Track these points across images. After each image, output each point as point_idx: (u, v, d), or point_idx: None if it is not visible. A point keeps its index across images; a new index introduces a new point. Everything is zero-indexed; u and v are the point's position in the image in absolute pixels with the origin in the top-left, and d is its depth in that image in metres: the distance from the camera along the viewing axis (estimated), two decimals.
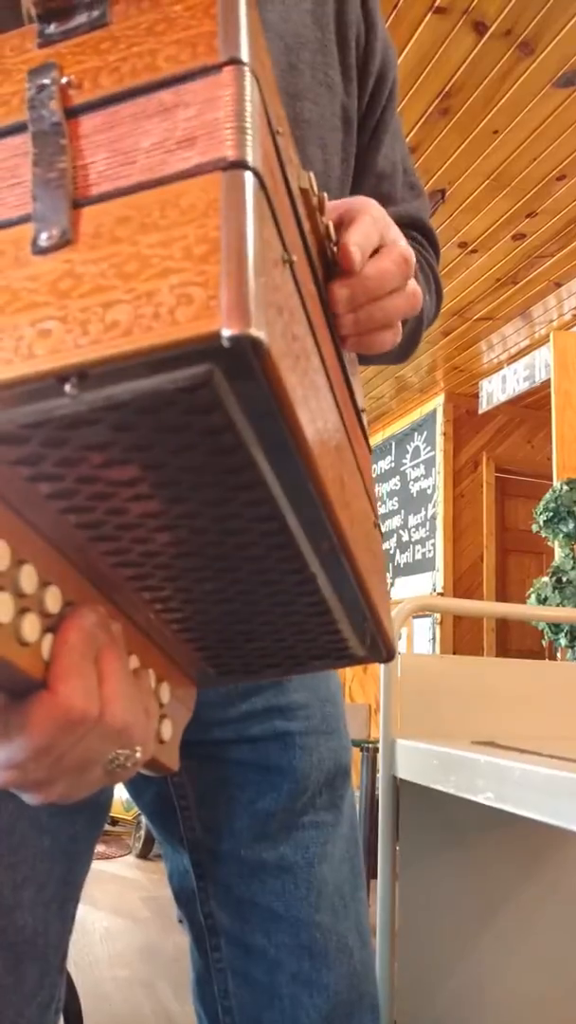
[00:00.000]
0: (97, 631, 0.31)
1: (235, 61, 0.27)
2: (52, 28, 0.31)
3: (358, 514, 0.36)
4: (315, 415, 0.29)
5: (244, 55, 0.28)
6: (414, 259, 0.43)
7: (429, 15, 2.33)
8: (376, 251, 0.42)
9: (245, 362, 0.23)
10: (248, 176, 0.25)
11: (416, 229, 0.73)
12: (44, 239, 0.26)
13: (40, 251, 0.26)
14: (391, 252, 0.42)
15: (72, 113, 0.29)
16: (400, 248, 0.42)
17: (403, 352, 0.71)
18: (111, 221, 0.26)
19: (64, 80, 0.29)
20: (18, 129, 0.29)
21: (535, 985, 1.31)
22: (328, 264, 0.39)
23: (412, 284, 0.44)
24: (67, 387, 0.23)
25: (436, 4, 2.30)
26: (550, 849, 1.34)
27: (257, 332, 0.22)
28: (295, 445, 0.26)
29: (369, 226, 0.41)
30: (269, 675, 0.43)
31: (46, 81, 0.29)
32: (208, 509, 0.29)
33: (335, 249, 0.39)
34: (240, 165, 0.25)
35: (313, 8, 0.64)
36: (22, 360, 0.23)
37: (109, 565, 0.32)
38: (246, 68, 0.27)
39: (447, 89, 2.62)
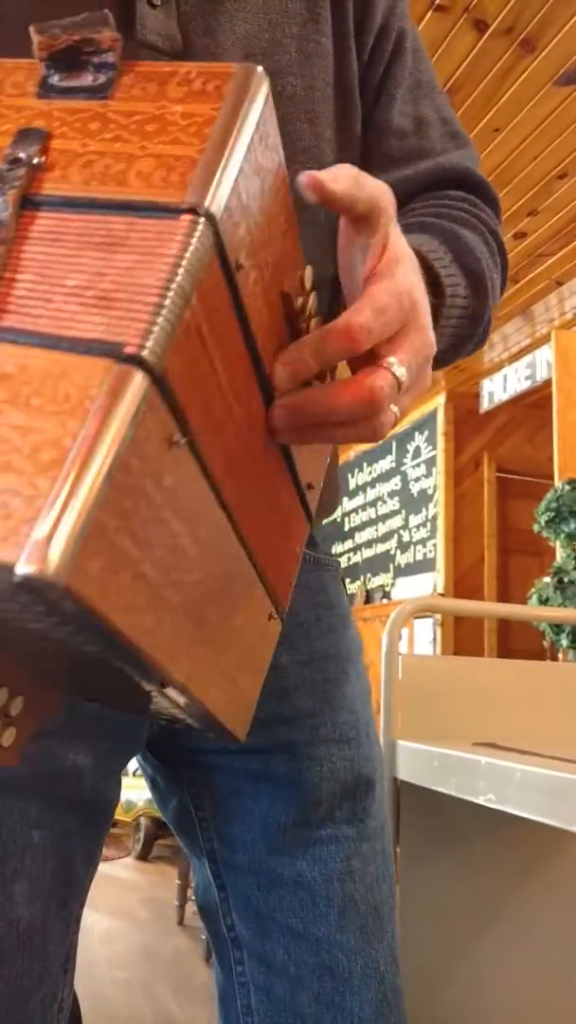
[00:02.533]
0: None
1: (196, 211, 0.25)
2: (56, 79, 0.30)
3: (221, 636, 0.35)
4: (156, 605, 0.27)
5: (211, 203, 0.25)
6: (389, 387, 0.36)
7: (430, 13, 2.33)
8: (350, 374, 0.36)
9: (44, 597, 0.22)
10: (137, 380, 0.23)
11: (462, 184, 0.66)
12: None
13: None
14: (358, 384, 0.36)
15: (28, 205, 0.27)
16: (370, 385, 0.36)
17: (442, 363, 0.62)
18: None
19: (37, 161, 0.27)
20: None
21: (537, 987, 1.30)
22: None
23: (385, 415, 0.37)
24: None
25: (437, 2, 2.29)
26: (551, 851, 1.34)
27: (58, 579, 0.21)
28: (119, 643, 0.25)
29: (339, 337, 0.35)
30: (117, 710, 0.43)
31: (22, 155, 0.28)
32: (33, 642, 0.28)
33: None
34: (135, 361, 0.23)
35: None
36: None
37: None
38: (201, 224, 0.25)
39: (448, 87, 2.62)
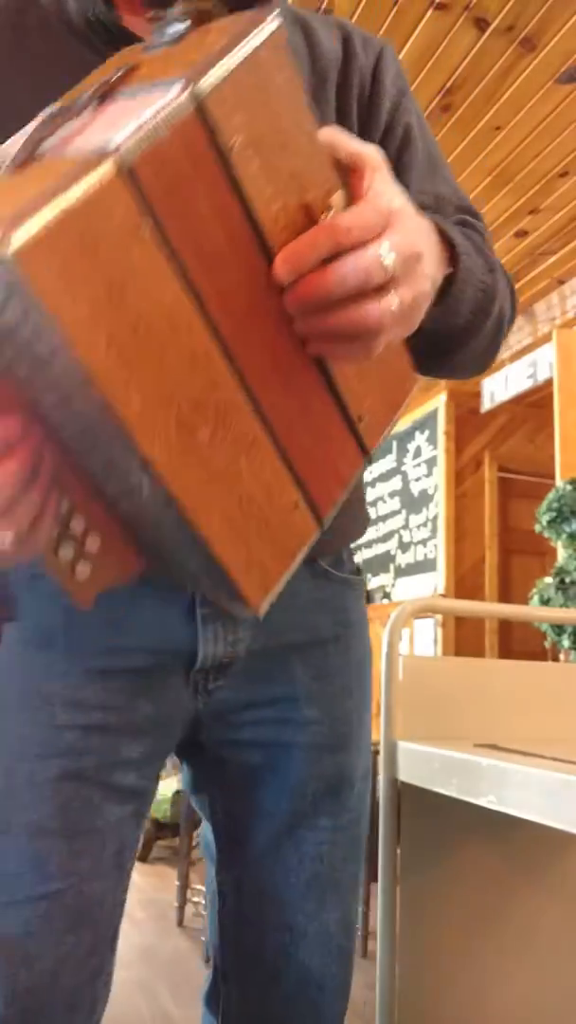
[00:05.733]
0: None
1: (189, 87, 0.37)
2: (154, 40, 0.47)
3: (219, 468, 0.44)
4: (122, 358, 0.37)
5: (202, 83, 0.37)
6: (371, 260, 0.42)
7: (430, 11, 2.33)
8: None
9: (9, 270, 0.33)
10: (107, 163, 0.35)
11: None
12: (4, 166, 0.42)
13: None
14: (359, 258, 0.42)
15: (103, 99, 0.43)
16: (367, 258, 0.42)
17: (466, 363, 0.72)
18: (35, 168, 0.40)
19: (118, 75, 0.44)
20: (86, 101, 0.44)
21: (538, 989, 1.30)
22: None
23: (400, 295, 0.44)
24: None
25: (437, 0, 2.28)
26: (553, 852, 1.33)
27: (11, 252, 0.32)
28: (73, 360, 0.36)
29: (326, 236, 0.42)
30: (164, 576, 0.53)
31: (113, 76, 0.44)
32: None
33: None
34: (111, 154, 0.35)
35: (314, 84, 0.69)
36: None
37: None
38: (186, 94, 0.37)
39: (449, 86, 2.61)
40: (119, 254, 0.36)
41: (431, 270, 0.49)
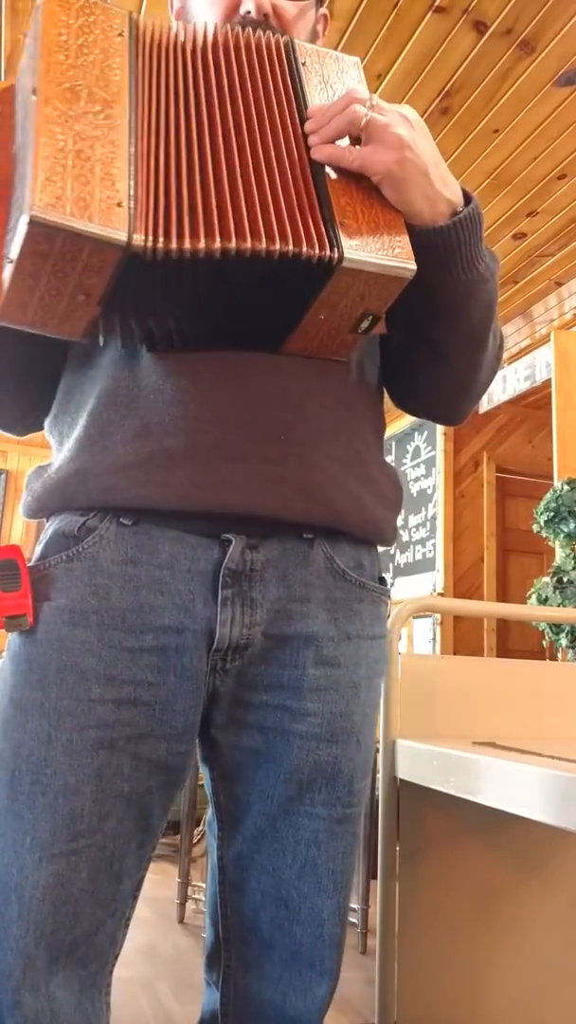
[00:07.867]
0: None
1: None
2: None
3: (72, 133, 0.59)
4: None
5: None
6: (364, 97, 0.65)
7: (429, 14, 2.33)
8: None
9: None
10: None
11: None
12: None
13: None
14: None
15: None
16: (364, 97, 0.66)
17: (453, 348, 0.79)
18: None
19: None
20: None
21: (536, 985, 1.31)
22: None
23: (390, 121, 0.65)
24: None
25: (436, 3, 2.30)
26: (550, 850, 1.34)
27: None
28: None
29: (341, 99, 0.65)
30: None
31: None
32: None
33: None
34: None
35: None
36: None
37: None
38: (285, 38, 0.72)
39: (447, 88, 2.62)
40: (99, 34, 0.63)
41: (435, 160, 0.66)
